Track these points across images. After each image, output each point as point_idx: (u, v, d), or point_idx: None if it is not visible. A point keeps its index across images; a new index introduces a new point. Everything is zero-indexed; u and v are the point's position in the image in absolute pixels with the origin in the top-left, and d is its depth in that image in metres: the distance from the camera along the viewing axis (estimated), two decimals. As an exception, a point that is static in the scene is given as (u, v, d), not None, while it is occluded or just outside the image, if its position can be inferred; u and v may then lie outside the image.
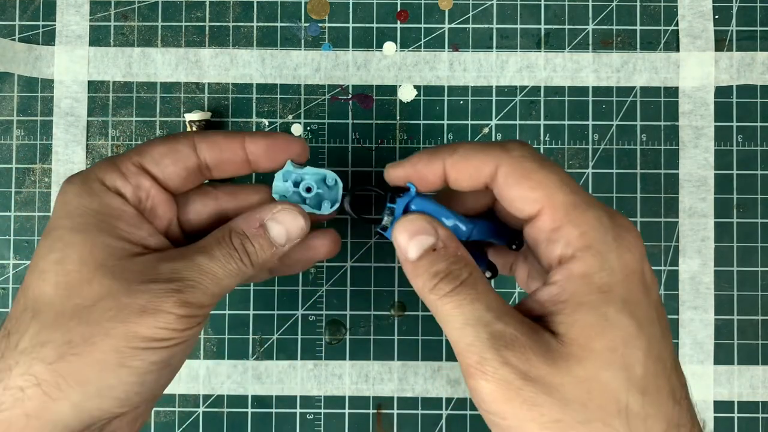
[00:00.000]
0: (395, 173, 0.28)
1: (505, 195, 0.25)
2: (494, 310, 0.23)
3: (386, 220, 0.28)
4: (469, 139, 0.42)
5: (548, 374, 0.21)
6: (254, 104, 0.42)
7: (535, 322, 0.23)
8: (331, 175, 0.31)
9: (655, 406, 0.22)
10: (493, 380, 0.22)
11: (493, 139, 0.42)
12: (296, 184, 0.31)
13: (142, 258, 0.26)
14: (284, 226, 0.28)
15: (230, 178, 0.32)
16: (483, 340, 0.22)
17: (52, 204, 0.42)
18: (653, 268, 0.42)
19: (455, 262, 0.25)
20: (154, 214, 0.28)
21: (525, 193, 0.24)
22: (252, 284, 0.42)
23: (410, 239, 0.26)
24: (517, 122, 0.42)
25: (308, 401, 0.41)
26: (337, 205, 0.31)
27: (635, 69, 0.43)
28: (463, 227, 0.28)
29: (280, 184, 0.30)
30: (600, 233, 0.23)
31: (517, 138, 0.42)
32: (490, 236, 0.29)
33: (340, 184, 0.31)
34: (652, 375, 0.22)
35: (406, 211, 0.27)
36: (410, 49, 0.43)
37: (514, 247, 0.28)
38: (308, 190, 0.30)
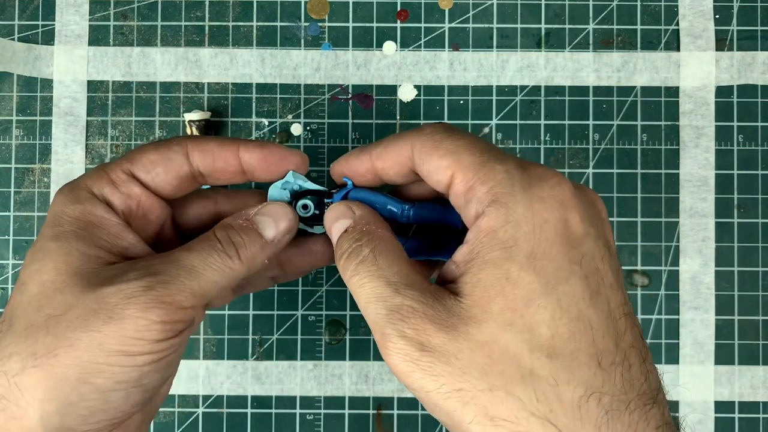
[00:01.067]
0: (334, 169, 0.29)
1: (423, 171, 0.25)
2: (394, 284, 0.22)
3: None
4: (470, 139, 0.42)
5: (445, 342, 0.21)
6: (254, 104, 0.42)
7: (448, 285, 0.23)
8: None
9: (569, 371, 0.20)
10: (394, 354, 0.21)
11: (494, 140, 0.42)
12: (294, 197, 0.29)
13: (119, 264, 0.24)
14: (272, 218, 0.27)
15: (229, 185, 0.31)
16: (382, 316, 0.22)
17: (52, 204, 0.42)
18: (653, 268, 0.42)
19: (358, 239, 0.24)
20: (147, 220, 0.27)
21: (436, 161, 0.24)
22: (252, 284, 0.42)
23: (332, 225, 0.26)
24: (518, 122, 0.42)
25: (308, 402, 0.41)
26: None
27: (636, 69, 0.42)
28: (395, 209, 0.27)
29: (276, 193, 0.29)
30: (507, 186, 0.22)
31: (518, 138, 0.42)
32: (439, 216, 0.28)
33: None
34: (565, 336, 0.20)
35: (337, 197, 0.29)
36: (410, 48, 0.43)
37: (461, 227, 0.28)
38: (305, 207, 0.29)
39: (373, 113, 0.42)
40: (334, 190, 0.29)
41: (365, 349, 0.42)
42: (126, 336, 0.22)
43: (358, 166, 0.27)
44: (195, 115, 0.41)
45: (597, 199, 0.24)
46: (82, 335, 0.22)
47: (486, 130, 0.42)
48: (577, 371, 0.20)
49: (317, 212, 0.29)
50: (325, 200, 0.29)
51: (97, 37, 0.42)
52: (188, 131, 0.41)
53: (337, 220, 0.26)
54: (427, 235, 0.29)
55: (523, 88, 0.42)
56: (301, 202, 0.29)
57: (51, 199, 0.42)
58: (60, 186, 0.41)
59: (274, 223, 0.27)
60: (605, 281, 0.22)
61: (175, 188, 0.28)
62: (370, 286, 0.23)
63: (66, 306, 0.23)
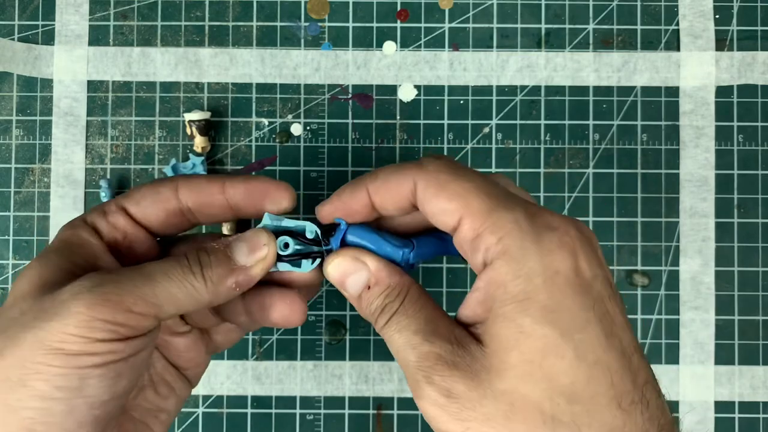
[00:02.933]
0: (325, 211, 0.27)
1: (428, 210, 0.24)
2: (422, 332, 0.23)
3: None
4: (470, 140, 0.42)
5: (470, 389, 0.22)
6: (254, 104, 0.42)
7: (469, 328, 0.23)
8: (310, 228, 0.27)
9: (589, 415, 0.21)
10: (425, 401, 0.22)
11: (494, 140, 0.42)
12: (276, 235, 0.27)
13: (82, 277, 0.24)
14: (247, 243, 0.26)
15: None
16: (412, 364, 0.23)
17: (52, 204, 0.42)
18: (654, 268, 0.42)
19: (388, 295, 0.25)
20: (133, 253, 0.27)
21: (443, 204, 0.24)
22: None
23: (343, 280, 0.26)
24: (518, 122, 0.42)
25: (308, 402, 0.41)
26: (318, 261, 0.27)
27: (636, 69, 0.42)
28: (395, 256, 0.26)
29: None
30: (516, 238, 0.22)
31: (518, 138, 0.42)
32: (439, 251, 0.28)
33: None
34: (584, 381, 0.21)
35: (344, 244, 0.27)
36: (410, 48, 0.43)
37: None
38: (285, 246, 0.27)
39: (373, 113, 0.42)
40: (331, 234, 0.27)
41: (365, 349, 0.42)
42: (66, 332, 0.21)
43: (354, 203, 0.26)
44: (195, 115, 0.41)
45: (592, 236, 0.24)
46: (27, 334, 0.21)
47: (486, 130, 0.42)
48: (598, 415, 0.21)
49: (299, 248, 0.27)
50: (324, 248, 0.27)
51: (97, 37, 0.42)
52: (188, 131, 0.41)
53: (350, 275, 0.26)
54: (429, 236, 0.29)
55: (523, 88, 0.42)
56: (281, 241, 0.27)
57: (52, 195, 0.42)
58: (59, 184, 0.41)
59: (248, 249, 0.26)
60: (616, 321, 0.22)
61: (163, 222, 0.27)
62: (400, 336, 0.24)
63: (24, 309, 0.23)
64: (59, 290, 0.23)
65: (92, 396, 0.22)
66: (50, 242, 0.26)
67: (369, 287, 0.25)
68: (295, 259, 0.27)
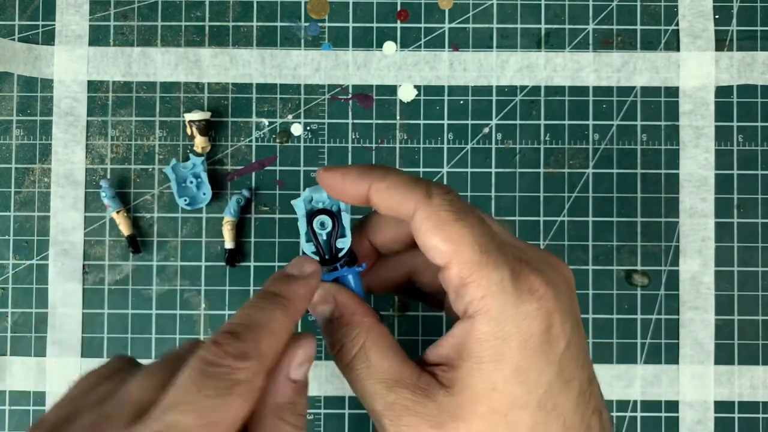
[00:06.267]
0: (324, 178, 0.27)
1: (420, 240, 0.25)
2: (386, 381, 0.24)
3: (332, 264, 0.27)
4: (470, 140, 0.42)
5: None
6: (254, 104, 0.42)
7: (436, 369, 0.25)
8: (345, 243, 0.27)
9: None
10: None
11: (494, 140, 0.42)
12: (309, 216, 0.27)
13: None
14: (306, 357, 0.25)
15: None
16: (378, 412, 0.24)
17: (52, 204, 0.42)
18: (653, 268, 0.42)
19: (347, 334, 0.25)
20: None
21: (436, 243, 0.24)
22: (252, 284, 0.42)
23: (313, 307, 0.27)
24: (518, 122, 0.42)
25: (308, 402, 0.41)
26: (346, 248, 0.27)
27: (635, 69, 0.42)
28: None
29: (300, 207, 0.27)
30: (499, 300, 0.23)
31: (518, 138, 0.42)
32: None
33: (348, 235, 0.27)
34: (542, 426, 0.23)
35: (338, 273, 0.27)
36: (410, 48, 0.43)
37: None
38: (322, 225, 0.27)
39: (373, 113, 0.42)
40: (349, 265, 0.27)
41: (365, 349, 0.42)
42: None
43: (352, 188, 0.26)
44: (195, 115, 0.41)
45: (567, 272, 0.25)
46: None
47: (486, 130, 0.42)
48: None
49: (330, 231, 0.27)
50: (338, 266, 0.27)
51: (98, 37, 0.42)
52: (188, 131, 0.41)
53: (317, 305, 0.26)
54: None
55: (523, 88, 0.42)
56: (318, 219, 0.27)
57: (52, 195, 0.42)
58: (59, 184, 0.41)
59: (308, 360, 0.25)
60: (578, 362, 0.24)
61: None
62: (364, 384, 0.24)
63: None
64: None
65: None
66: None
67: (331, 321, 0.26)
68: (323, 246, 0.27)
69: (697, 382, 0.41)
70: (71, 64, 0.42)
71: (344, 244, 0.27)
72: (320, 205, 0.28)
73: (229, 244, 0.41)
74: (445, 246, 0.24)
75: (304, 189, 0.42)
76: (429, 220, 0.24)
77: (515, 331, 0.23)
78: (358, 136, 0.42)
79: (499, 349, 0.23)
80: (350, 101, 0.42)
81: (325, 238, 0.27)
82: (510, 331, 0.23)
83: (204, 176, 0.41)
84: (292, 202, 0.27)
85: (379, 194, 0.26)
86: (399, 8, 0.43)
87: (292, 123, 0.42)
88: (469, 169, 0.42)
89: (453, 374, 0.24)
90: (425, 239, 0.24)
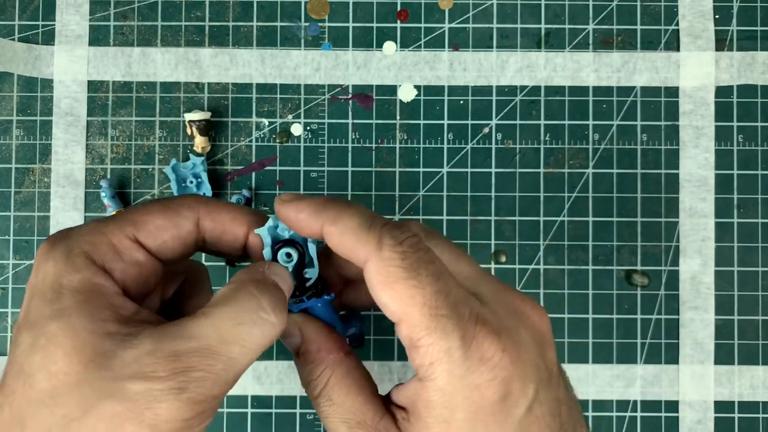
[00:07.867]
0: (281, 211, 0.25)
1: (371, 293, 0.24)
2: (347, 420, 0.25)
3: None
4: (469, 140, 0.42)
5: None
6: (254, 104, 0.42)
7: (400, 411, 0.25)
8: (311, 248, 0.26)
9: None
10: None
11: (494, 140, 0.42)
12: (273, 244, 0.26)
13: (135, 343, 0.21)
14: (281, 278, 0.25)
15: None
16: None
17: (52, 204, 0.42)
18: (653, 268, 0.42)
19: (311, 373, 0.25)
20: (146, 286, 0.25)
21: (386, 301, 0.23)
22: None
23: (284, 338, 0.26)
24: (518, 122, 0.42)
25: (308, 402, 0.41)
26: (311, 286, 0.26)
27: (635, 69, 0.42)
28: (341, 331, 0.27)
29: (264, 235, 0.26)
30: (445, 370, 0.22)
31: (518, 138, 0.42)
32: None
33: (315, 266, 0.26)
34: None
35: (306, 305, 0.26)
36: (410, 48, 0.43)
37: None
38: (288, 256, 0.26)
39: (373, 113, 0.42)
40: (318, 296, 0.26)
41: (365, 349, 0.42)
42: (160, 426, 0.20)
43: (306, 227, 0.25)
44: (195, 115, 0.41)
45: (540, 320, 0.25)
46: None
47: (486, 130, 0.42)
48: None
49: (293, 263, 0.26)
50: (303, 298, 0.26)
51: (98, 37, 0.43)
52: (188, 131, 0.41)
53: (286, 337, 0.26)
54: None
55: (523, 88, 0.42)
56: (284, 250, 0.26)
57: (52, 195, 0.42)
58: (60, 184, 0.41)
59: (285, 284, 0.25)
60: (545, 422, 0.23)
61: (178, 254, 0.25)
62: (327, 422, 0.25)
63: (85, 406, 0.20)
64: (127, 385, 0.20)
65: None
66: (51, 285, 0.22)
67: (298, 354, 0.26)
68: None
69: (697, 382, 0.41)
70: (71, 64, 0.42)
71: (312, 274, 0.26)
72: (286, 234, 0.26)
73: (229, 244, 0.41)
74: (394, 305, 0.23)
75: (303, 189, 0.42)
76: (378, 275, 0.23)
77: (463, 402, 0.22)
78: (358, 136, 0.42)
79: (446, 418, 0.23)
80: (350, 101, 0.42)
81: (291, 270, 0.26)
82: (458, 402, 0.22)
83: (204, 176, 0.41)
84: (256, 231, 0.26)
85: (331, 238, 0.24)
86: (399, 8, 0.43)
87: (292, 123, 0.42)
88: (469, 169, 0.42)
89: (409, 426, 0.24)
90: (375, 294, 0.23)
